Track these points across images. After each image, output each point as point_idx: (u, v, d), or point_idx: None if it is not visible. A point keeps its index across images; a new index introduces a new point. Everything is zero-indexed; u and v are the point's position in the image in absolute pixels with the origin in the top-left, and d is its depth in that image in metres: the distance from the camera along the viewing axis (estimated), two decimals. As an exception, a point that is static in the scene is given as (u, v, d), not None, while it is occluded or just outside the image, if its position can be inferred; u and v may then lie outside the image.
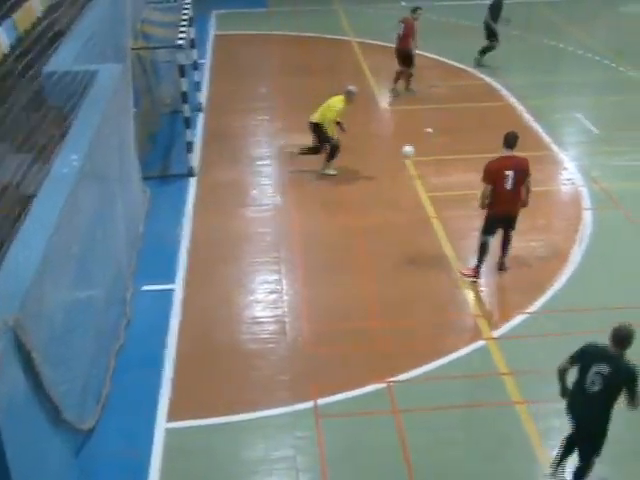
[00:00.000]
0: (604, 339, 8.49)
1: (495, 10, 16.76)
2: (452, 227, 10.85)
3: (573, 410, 6.41)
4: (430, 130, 13.54)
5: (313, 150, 12.45)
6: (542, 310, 9.00)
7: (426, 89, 15.97)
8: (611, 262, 9.97)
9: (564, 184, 12.31)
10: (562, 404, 7.51)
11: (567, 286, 9.44)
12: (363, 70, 17.53)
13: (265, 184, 12.42)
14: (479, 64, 17.18)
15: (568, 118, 14.75)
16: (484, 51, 17.25)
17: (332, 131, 12.19)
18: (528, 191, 9.26)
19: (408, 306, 9.18)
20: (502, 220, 9.47)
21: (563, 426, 7.31)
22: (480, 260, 9.55)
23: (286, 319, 8.96)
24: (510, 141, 9.19)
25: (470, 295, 9.37)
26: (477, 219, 11.09)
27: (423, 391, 7.77)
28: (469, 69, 17.25)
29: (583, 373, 6.22)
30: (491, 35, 17.05)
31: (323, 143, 12.30)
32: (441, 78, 16.62)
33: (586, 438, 6.43)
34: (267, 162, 13.21)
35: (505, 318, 8.89)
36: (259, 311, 9.14)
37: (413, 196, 11.78)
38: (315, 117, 12.24)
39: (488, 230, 9.54)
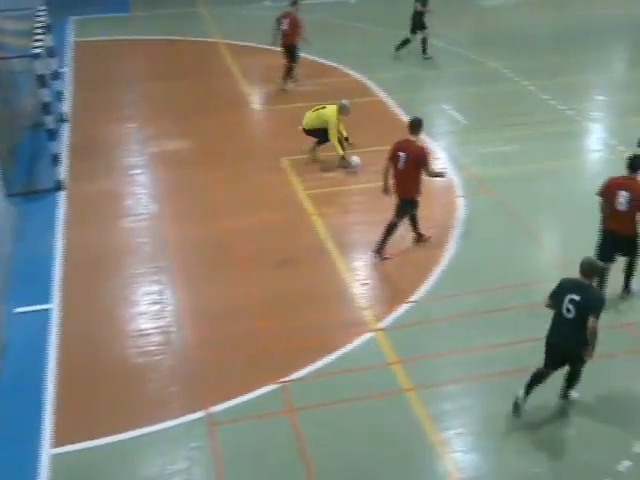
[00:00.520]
0: (489, 319, 8.85)
1: None
2: (333, 223, 10.91)
3: (553, 336, 7.07)
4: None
5: (319, 142, 12.64)
6: (426, 298, 9.20)
7: (297, 87, 16.06)
8: (486, 245, 10.33)
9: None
10: (450, 387, 7.77)
11: (447, 272, 9.71)
12: (232, 71, 17.40)
13: (140, 193, 12.05)
14: (396, 53, 17.59)
15: (436, 110, 15.19)
16: (423, 43, 17.59)
17: (334, 137, 12.31)
18: (433, 176, 9.97)
19: (294, 304, 9.15)
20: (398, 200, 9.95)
21: (453, 409, 7.53)
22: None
23: (172, 329, 8.72)
24: (410, 126, 9.92)
25: (355, 289, 9.46)
26: (357, 213, 11.25)
27: (316, 388, 7.76)
28: (339, 66, 17.48)
29: (560, 304, 7.00)
30: (420, 25, 17.43)
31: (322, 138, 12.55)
32: (312, 76, 16.72)
33: (572, 357, 7.09)
34: (140, 170, 12.83)
35: (391, 308, 9.02)
36: (143, 323, 8.84)
37: (292, 195, 11.77)
38: (306, 124, 12.52)
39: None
